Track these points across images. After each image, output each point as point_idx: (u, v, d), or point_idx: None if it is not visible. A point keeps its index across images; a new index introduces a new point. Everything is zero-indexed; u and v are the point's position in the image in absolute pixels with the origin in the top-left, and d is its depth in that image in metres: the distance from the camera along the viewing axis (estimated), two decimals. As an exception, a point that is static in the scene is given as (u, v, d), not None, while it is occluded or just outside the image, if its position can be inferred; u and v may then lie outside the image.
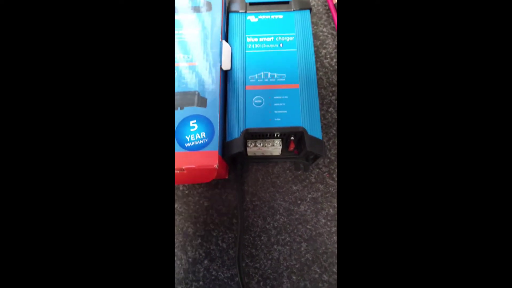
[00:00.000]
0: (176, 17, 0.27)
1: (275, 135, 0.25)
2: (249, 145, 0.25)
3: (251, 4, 0.29)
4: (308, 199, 0.27)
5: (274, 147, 0.25)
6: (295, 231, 0.27)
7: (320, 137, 0.24)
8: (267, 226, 0.27)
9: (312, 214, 0.27)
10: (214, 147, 0.22)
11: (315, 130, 0.24)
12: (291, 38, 0.27)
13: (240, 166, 0.27)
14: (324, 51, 0.33)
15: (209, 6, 0.27)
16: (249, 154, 0.26)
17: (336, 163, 0.29)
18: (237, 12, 0.29)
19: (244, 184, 0.28)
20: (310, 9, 0.29)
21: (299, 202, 0.27)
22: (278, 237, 0.27)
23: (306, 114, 0.24)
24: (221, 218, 0.27)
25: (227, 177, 0.28)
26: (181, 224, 0.27)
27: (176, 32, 0.26)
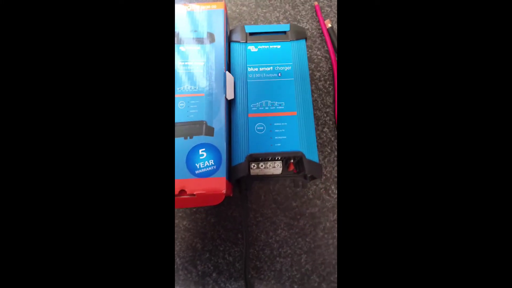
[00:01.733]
0: (182, 48, 0.29)
1: (276, 158, 0.27)
2: (252, 167, 0.28)
3: (251, 34, 0.31)
4: (307, 214, 0.30)
5: (275, 168, 0.28)
6: (296, 244, 0.29)
7: (317, 160, 0.26)
8: (270, 240, 0.29)
9: (310, 228, 0.30)
10: (222, 174, 0.24)
11: (312, 153, 0.26)
12: (289, 68, 0.29)
13: (244, 185, 0.29)
14: (318, 73, 0.36)
15: (212, 38, 0.30)
16: (252, 174, 0.29)
17: (332, 179, 0.31)
18: (238, 42, 0.31)
19: (248, 201, 0.31)
20: (306, 39, 0.31)
21: (298, 217, 0.30)
22: (280, 250, 0.29)
23: (304, 139, 0.27)
24: (227, 234, 0.30)
25: (231, 195, 0.30)
26: (190, 240, 0.30)
27: (182, 63, 0.28)
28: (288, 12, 0.39)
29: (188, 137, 0.25)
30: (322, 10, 0.39)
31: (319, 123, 0.33)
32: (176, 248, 0.30)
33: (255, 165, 0.28)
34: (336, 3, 0.41)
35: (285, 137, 0.27)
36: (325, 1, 0.40)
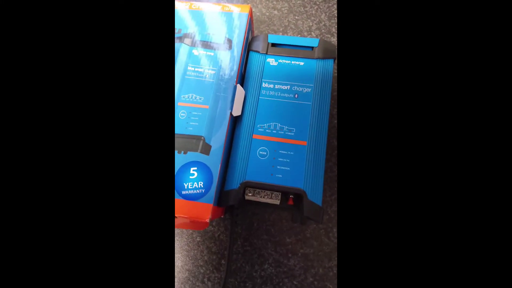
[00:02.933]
0: (195, 52, 0.27)
1: (273, 190, 0.24)
2: (247, 192, 0.25)
3: (273, 45, 0.28)
4: (299, 254, 0.27)
5: (272, 200, 0.25)
6: (281, 284, 0.26)
7: (320, 203, 0.23)
8: (254, 274, 0.27)
9: (300, 270, 0.27)
10: (209, 200, 0.22)
11: (315, 195, 0.23)
12: (308, 90, 0.26)
13: (236, 211, 0.27)
14: (343, 97, 0.32)
15: (229, 44, 0.27)
16: (247, 199, 0.26)
17: (335, 221, 0.28)
18: (257, 52, 0.28)
19: (238, 226, 0.28)
20: (335, 59, 0.27)
21: (290, 255, 0.27)
22: (262, 287, 0.27)
23: (310, 176, 0.23)
24: (210, 257, 0.28)
25: (223, 216, 0.28)
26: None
27: (192, 69, 0.26)
28: (323, 23, 0.35)
29: (182, 152, 0.23)
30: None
31: (334, 153, 0.30)
32: (157, 259, 0.28)
33: (251, 192, 0.25)
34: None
35: (288, 168, 0.24)
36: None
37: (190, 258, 0.28)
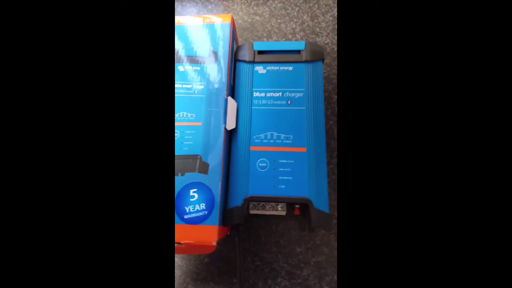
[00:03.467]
0: (180, 68, 0.26)
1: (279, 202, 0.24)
2: (251, 207, 0.24)
3: (259, 52, 0.28)
4: (312, 263, 0.26)
5: (278, 211, 0.24)
6: (297, 296, 0.26)
7: (327, 210, 0.22)
8: (268, 289, 0.26)
9: (315, 279, 0.26)
10: (213, 221, 0.21)
11: (321, 202, 0.22)
12: (300, 94, 0.25)
13: (242, 227, 0.26)
14: (336, 97, 0.31)
15: (215, 57, 0.26)
16: (251, 213, 0.25)
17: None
18: (244, 61, 0.27)
19: (246, 242, 0.27)
20: (323, 60, 0.27)
21: (302, 265, 0.26)
22: (279, 301, 0.26)
23: (313, 183, 0.23)
24: (221, 277, 0.27)
25: (229, 233, 0.27)
26: (181, 279, 0.27)
27: (180, 85, 0.25)
28: (306, 24, 0.35)
29: (180, 174, 0.22)
30: (345, 22, 0.35)
31: (333, 155, 0.29)
32: None
33: (255, 205, 0.24)
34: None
35: (291, 178, 0.23)
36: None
37: (201, 281, 0.27)
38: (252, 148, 0.24)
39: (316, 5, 0.36)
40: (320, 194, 0.23)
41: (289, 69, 0.27)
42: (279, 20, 0.36)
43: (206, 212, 0.21)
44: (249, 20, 0.36)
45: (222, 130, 0.24)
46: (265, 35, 0.35)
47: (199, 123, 0.24)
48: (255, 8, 0.37)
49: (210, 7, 0.38)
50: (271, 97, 0.26)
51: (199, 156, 0.23)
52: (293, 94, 0.26)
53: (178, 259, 0.28)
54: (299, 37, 0.35)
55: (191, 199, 0.22)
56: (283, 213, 0.24)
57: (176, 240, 0.21)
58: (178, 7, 0.38)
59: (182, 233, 0.21)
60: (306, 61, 0.26)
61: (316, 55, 0.27)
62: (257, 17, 0.36)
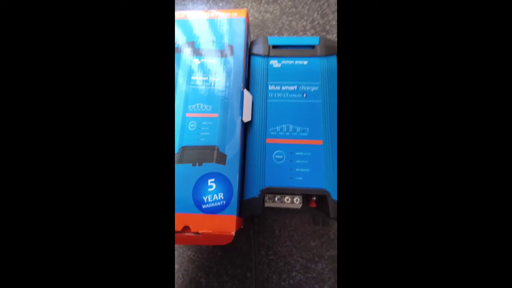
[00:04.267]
0: (196, 61, 0.26)
1: (295, 194, 0.24)
2: (267, 199, 0.24)
3: (274, 47, 0.28)
4: (326, 257, 0.26)
5: (294, 204, 0.24)
6: (312, 290, 0.25)
7: (344, 201, 0.22)
8: (283, 283, 0.26)
9: (330, 273, 0.26)
10: (232, 211, 0.21)
11: (338, 193, 0.23)
12: (316, 88, 0.26)
13: (257, 219, 0.26)
14: (348, 92, 0.32)
15: (231, 50, 0.26)
16: (266, 206, 0.25)
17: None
18: (259, 55, 0.27)
19: (260, 235, 0.27)
20: (337, 55, 0.27)
21: (316, 259, 0.26)
22: (293, 295, 0.26)
23: (330, 174, 0.23)
24: (235, 271, 0.27)
25: (242, 227, 0.27)
26: (194, 273, 0.27)
27: (196, 78, 0.25)
28: (317, 22, 0.36)
29: (197, 164, 0.22)
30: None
31: (346, 149, 0.29)
32: (178, 281, 0.27)
33: (271, 198, 0.24)
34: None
35: (307, 169, 0.23)
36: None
37: (214, 274, 0.27)
38: (268, 140, 0.24)
39: (326, 4, 0.37)
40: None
41: (304, 63, 0.27)
42: (290, 18, 0.36)
43: (224, 202, 0.21)
44: (260, 18, 0.37)
45: (239, 122, 0.24)
46: (276, 32, 0.36)
47: (216, 115, 0.24)
48: (266, 5, 0.37)
49: (221, 4, 0.38)
50: (286, 91, 0.26)
51: (216, 147, 0.23)
52: (308, 88, 0.26)
53: (191, 253, 0.27)
54: (310, 34, 0.35)
55: (209, 189, 0.22)
56: (299, 206, 0.24)
57: (194, 230, 0.21)
58: (189, 4, 0.38)
59: (201, 223, 0.21)
60: (321, 56, 0.27)
61: (330, 50, 0.27)
62: (268, 15, 0.37)
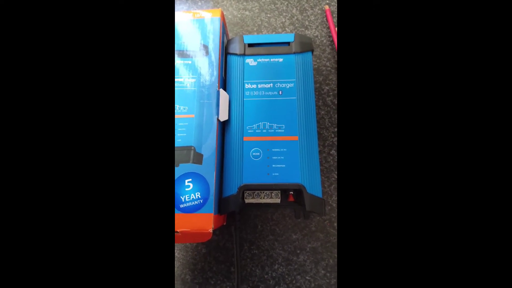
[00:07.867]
0: (177, 62, 0.26)
1: (273, 189, 0.24)
2: (246, 196, 0.25)
3: (250, 45, 0.28)
4: (307, 249, 0.27)
5: (272, 199, 0.25)
6: (294, 282, 0.26)
7: (320, 195, 0.23)
8: (266, 276, 0.27)
9: (311, 264, 0.27)
10: (209, 209, 0.22)
11: (314, 187, 0.23)
12: (291, 85, 0.26)
13: (238, 216, 0.27)
14: (327, 87, 0.32)
15: (206, 50, 0.27)
16: (247, 202, 0.26)
17: (337, 210, 0.28)
18: (235, 54, 0.28)
19: (242, 231, 0.28)
20: (312, 51, 0.27)
21: (298, 251, 0.27)
22: (276, 287, 0.26)
23: (305, 169, 0.23)
24: (219, 266, 0.27)
25: (225, 224, 0.28)
26: (179, 270, 0.27)
27: (175, 80, 0.26)
28: (295, 17, 0.36)
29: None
30: (334, 15, 0.35)
31: (326, 144, 0.30)
32: (165, 279, 0.27)
33: (250, 195, 0.25)
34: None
35: (284, 165, 0.24)
36: (336, 5, 0.36)
37: (198, 271, 0.27)
38: (245, 138, 0.25)
39: (304, -1, 0.37)
40: (312, 180, 0.23)
41: (280, 61, 0.27)
42: (268, 15, 0.36)
43: (201, 200, 0.22)
44: (239, 15, 0.37)
45: (215, 121, 0.24)
46: (255, 29, 0.36)
47: (192, 115, 0.24)
48: (245, 3, 0.37)
49: (200, 3, 0.38)
50: (262, 88, 0.26)
51: (193, 147, 0.23)
52: (284, 85, 0.26)
53: (175, 251, 0.28)
54: (289, 31, 0.35)
55: (186, 189, 0.22)
56: (278, 200, 0.25)
57: (173, 229, 0.21)
58: (168, 4, 0.38)
59: (179, 222, 0.21)
60: (295, 52, 0.27)
61: (305, 46, 0.27)
62: (247, 12, 0.37)
